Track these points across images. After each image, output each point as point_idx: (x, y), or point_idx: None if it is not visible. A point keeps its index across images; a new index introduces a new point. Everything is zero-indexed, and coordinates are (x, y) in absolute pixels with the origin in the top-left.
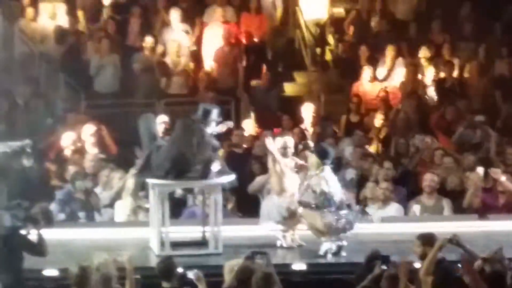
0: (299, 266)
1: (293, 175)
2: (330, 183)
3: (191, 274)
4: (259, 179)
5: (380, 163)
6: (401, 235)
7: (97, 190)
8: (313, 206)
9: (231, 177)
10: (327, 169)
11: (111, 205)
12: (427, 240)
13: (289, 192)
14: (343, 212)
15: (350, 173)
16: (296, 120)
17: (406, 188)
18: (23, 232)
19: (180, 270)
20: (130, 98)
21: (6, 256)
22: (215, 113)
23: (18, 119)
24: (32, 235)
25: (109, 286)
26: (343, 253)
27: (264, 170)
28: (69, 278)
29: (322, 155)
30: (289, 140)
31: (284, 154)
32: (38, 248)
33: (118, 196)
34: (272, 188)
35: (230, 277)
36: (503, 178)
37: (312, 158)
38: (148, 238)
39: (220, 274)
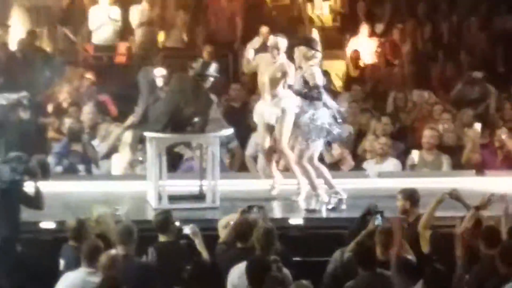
0: (296, 220)
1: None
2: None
3: (187, 229)
4: (252, 142)
5: (377, 118)
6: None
7: (95, 143)
8: (304, 93)
9: (228, 131)
10: (319, 61)
11: (107, 156)
12: (408, 195)
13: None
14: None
15: (347, 129)
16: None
17: (404, 143)
18: (21, 185)
19: (177, 223)
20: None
21: (4, 209)
22: (213, 67)
23: (16, 72)
24: (29, 187)
25: (132, 237)
26: (343, 207)
27: None
28: (67, 231)
29: (309, 43)
30: (281, 41)
31: (274, 55)
32: (35, 201)
33: (115, 149)
34: (261, 94)
35: (226, 232)
36: (503, 136)
37: (302, 50)
38: (145, 192)
39: (217, 228)
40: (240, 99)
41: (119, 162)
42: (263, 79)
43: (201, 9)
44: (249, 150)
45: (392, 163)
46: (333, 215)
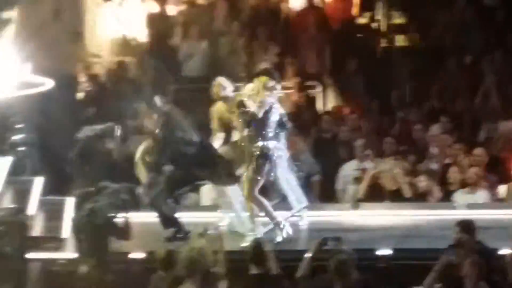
0: (384, 251)
1: None
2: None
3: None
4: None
5: (467, 149)
6: (488, 221)
7: None
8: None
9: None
10: (269, 97)
11: (196, 189)
12: (466, 227)
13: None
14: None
15: (435, 164)
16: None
17: (495, 174)
18: (112, 217)
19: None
20: None
21: (95, 241)
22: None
23: (107, 103)
24: (120, 218)
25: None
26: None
27: (351, 155)
28: (156, 261)
29: (271, 74)
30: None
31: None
32: (125, 232)
33: None
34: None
35: (303, 265)
36: None
37: (262, 79)
38: (233, 222)
39: (297, 259)
40: (331, 130)
41: (207, 193)
42: None
43: (291, 40)
44: (339, 184)
45: (483, 195)
46: (419, 246)
